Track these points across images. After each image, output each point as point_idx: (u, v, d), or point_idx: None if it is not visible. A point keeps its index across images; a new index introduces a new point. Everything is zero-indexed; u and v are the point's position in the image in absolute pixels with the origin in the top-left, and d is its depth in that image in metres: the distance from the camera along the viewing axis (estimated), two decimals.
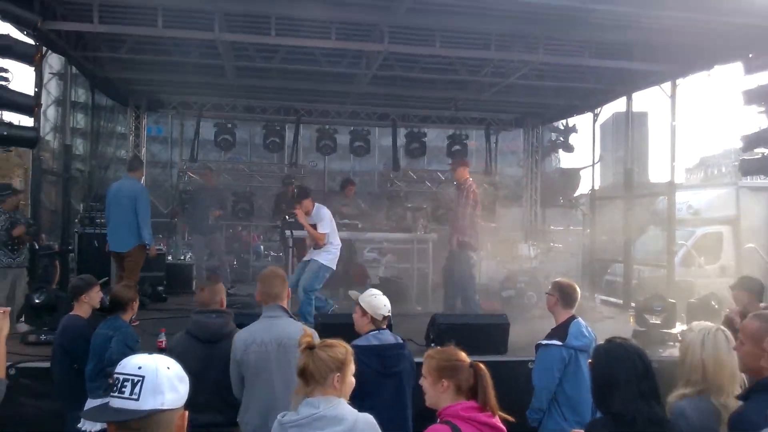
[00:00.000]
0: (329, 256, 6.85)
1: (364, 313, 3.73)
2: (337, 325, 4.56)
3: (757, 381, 2.31)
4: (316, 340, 3.45)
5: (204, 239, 9.05)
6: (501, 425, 2.56)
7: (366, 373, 3.23)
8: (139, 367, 1.63)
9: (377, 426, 2.54)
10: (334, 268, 6.96)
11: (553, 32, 7.74)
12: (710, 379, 2.66)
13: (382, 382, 3.52)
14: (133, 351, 4.01)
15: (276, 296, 3.71)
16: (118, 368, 1.66)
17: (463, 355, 2.69)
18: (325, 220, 6.84)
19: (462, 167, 7.94)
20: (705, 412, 2.62)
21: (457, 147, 12.64)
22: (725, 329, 2.79)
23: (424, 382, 2.70)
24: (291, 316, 3.75)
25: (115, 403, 1.62)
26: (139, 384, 1.60)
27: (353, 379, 2.64)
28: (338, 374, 2.54)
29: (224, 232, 11.37)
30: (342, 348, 2.62)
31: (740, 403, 2.45)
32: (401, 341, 3.78)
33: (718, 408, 2.62)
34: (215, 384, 3.68)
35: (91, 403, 4.01)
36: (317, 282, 6.81)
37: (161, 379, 1.63)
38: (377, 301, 3.73)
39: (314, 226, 6.80)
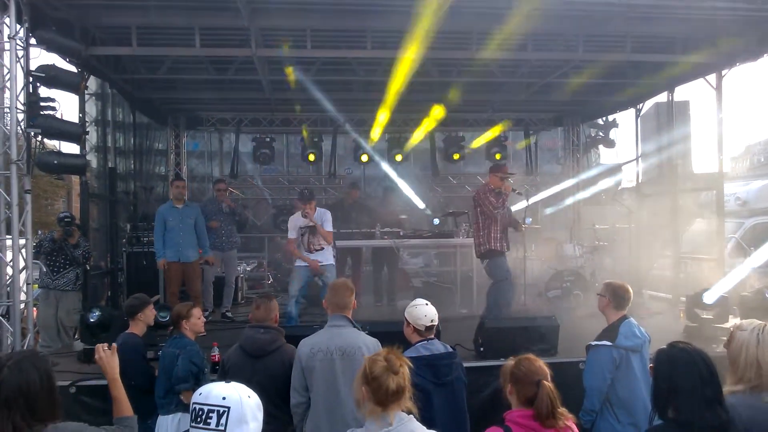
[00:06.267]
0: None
1: (409, 323, 3.76)
2: (386, 333, 4.55)
3: None
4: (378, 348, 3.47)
5: (221, 255, 8.92)
6: None
7: (419, 384, 3.21)
8: (224, 398, 1.66)
9: None
10: None
11: (592, 29, 7.61)
12: (765, 375, 2.68)
13: (436, 392, 3.51)
14: (198, 368, 4.20)
15: (343, 306, 3.81)
16: (200, 398, 1.68)
17: (536, 366, 2.68)
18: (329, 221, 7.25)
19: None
20: (755, 408, 2.62)
21: (495, 149, 12.46)
22: None
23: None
24: (355, 326, 3.82)
25: None
26: (225, 415, 1.64)
27: None
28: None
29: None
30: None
31: None
32: (452, 350, 3.79)
33: None
34: (260, 396, 3.73)
35: (163, 420, 4.22)
36: None
37: (245, 409, 1.68)
38: (417, 312, 3.74)
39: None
